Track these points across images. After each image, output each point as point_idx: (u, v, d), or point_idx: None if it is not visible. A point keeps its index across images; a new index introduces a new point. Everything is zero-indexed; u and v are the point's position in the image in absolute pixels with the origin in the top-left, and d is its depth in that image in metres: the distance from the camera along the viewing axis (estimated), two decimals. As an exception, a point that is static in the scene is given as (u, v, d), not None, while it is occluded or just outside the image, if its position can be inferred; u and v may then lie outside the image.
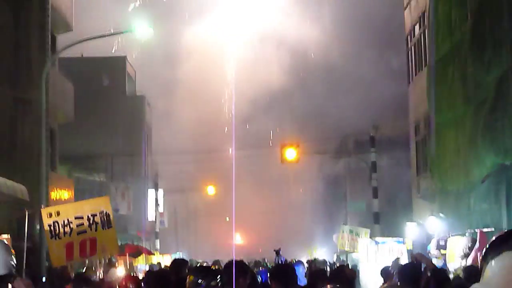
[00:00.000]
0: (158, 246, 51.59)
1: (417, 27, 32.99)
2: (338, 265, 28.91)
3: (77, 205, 13.11)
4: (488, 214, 22.83)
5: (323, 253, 48.52)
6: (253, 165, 60.50)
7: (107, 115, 49.88)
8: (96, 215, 11.87)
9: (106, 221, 11.89)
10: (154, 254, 36.04)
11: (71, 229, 11.74)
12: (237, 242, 79.60)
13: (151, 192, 54.61)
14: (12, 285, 8.20)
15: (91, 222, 11.75)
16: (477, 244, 19.19)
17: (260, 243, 67.42)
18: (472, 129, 22.26)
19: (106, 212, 12.00)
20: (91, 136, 46.25)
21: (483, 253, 3.17)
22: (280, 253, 19.56)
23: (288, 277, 7.68)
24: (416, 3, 32.87)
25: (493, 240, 3.18)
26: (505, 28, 19.81)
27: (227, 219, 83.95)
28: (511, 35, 19.60)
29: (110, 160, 49.87)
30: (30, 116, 25.28)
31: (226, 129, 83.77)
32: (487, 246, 3.17)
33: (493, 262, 3.03)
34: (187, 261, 12.51)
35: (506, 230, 3.48)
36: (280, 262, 18.96)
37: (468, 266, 18.21)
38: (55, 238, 11.74)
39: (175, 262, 11.17)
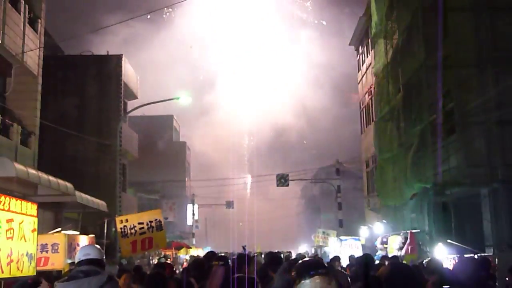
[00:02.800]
0: (194, 242, 51.36)
1: (367, 95, 32.94)
2: (315, 255, 28.86)
3: (140, 215, 13.18)
4: (416, 221, 22.71)
5: (304, 247, 48.16)
6: (259, 188, 60.54)
7: (160, 155, 50.06)
8: (152, 221, 12.04)
9: (159, 226, 12.05)
10: (191, 248, 35.85)
11: (135, 231, 11.89)
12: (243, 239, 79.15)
13: (189, 206, 54.55)
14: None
15: (149, 226, 11.93)
16: (408, 240, 19.21)
17: (262, 241, 67.02)
18: (403, 164, 22.25)
19: (158, 220, 12.16)
20: (150, 169, 46.43)
21: (296, 271, 3.16)
22: (246, 247, 18.95)
23: (248, 261, 7.60)
24: (366, 80, 32.94)
25: (307, 263, 3.21)
26: (424, 97, 19.93)
27: (241, 224, 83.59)
28: (428, 101, 19.70)
29: (162, 185, 50.02)
30: (109, 155, 25.53)
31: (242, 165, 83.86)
32: (301, 267, 3.17)
33: (305, 282, 3.06)
34: (215, 253, 12.52)
35: (315, 258, 3.57)
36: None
37: (402, 255, 18.33)
38: (125, 237, 11.90)
39: (208, 254, 11.21)
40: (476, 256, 13.75)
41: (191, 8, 69.09)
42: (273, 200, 67.02)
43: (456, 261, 9.88)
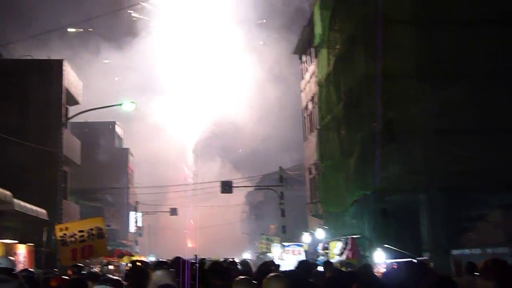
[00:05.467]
0: (137, 250, 50.66)
1: (310, 104, 33.22)
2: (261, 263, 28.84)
3: (80, 222, 12.92)
4: (356, 226, 22.99)
5: (248, 255, 48.21)
6: (202, 195, 60.09)
7: (103, 161, 49.18)
8: (93, 229, 11.81)
9: (100, 234, 11.82)
10: (134, 256, 35.32)
11: (76, 239, 11.64)
12: (189, 246, 78.67)
13: (132, 213, 53.82)
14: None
15: (89, 234, 11.69)
16: (349, 246, 19.51)
17: (205, 247, 66.65)
18: (345, 172, 22.50)
19: (99, 227, 11.95)
20: (92, 176, 45.53)
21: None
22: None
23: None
24: (309, 89, 33.27)
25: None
26: (364, 105, 20.25)
27: (185, 231, 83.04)
28: (369, 111, 20.03)
29: (105, 192, 49.20)
30: (51, 163, 24.85)
31: (186, 170, 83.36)
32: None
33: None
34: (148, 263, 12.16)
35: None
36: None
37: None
38: (64, 246, 11.63)
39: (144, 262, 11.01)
40: (415, 261, 14.08)
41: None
42: (217, 207, 66.80)
43: (388, 266, 10.09)
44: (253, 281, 5.77)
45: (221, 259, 19.52)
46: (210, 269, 7.88)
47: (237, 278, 5.85)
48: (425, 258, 16.63)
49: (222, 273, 7.65)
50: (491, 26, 18.90)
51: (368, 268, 9.49)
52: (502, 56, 16.18)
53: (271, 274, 5.88)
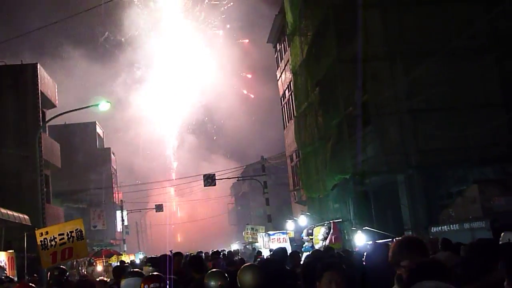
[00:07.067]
0: (125, 249, 50.53)
1: (287, 91, 33.32)
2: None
3: (60, 225, 12.88)
4: (339, 211, 23.24)
5: (236, 245, 48.28)
6: (189, 189, 60.05)
7: (84, 162, 48.82)
8: (73, 231, 11.83)
9: (80, 236, 11.84)
10: (122, 255, 35.24)
11: (56, 242, 11.67)
12: (178, 241, 78.87)
13: (118, 213, 53.65)
14: None
15: (69, 236, 11.71)
16: (331, 230, 19.69)
17: (194, 241, 66.80)
18: (324, 157, 22.72)
19: (79, 229, 11.95)
20: (74, 177, 45.24)
21: None
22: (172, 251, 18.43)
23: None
24: (285, 77, 33.37)
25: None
26: (339, 90, 20.41)
27: (173, 226, 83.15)
28: (344, 95, 20.19)
29: (88, 193, 48.93)
30: (30, 167, 24.62)
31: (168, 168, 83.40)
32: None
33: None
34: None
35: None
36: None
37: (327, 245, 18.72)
38: (45, 249, 11.66)
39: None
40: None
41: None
42: (203, 200, 66.83)
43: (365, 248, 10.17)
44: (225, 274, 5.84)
45: (202, 252, 19.67)
46: (189, 263, 8.01)
47: (208, 271, 5.93)
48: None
49: (200, 266, 7.76)
50: (457, 4, 19.14)
51: (347, 253, 9.60)
52: (468, 33, 16.36)
53: (245, 265, 5.94)
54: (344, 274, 4.00)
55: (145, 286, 5.30)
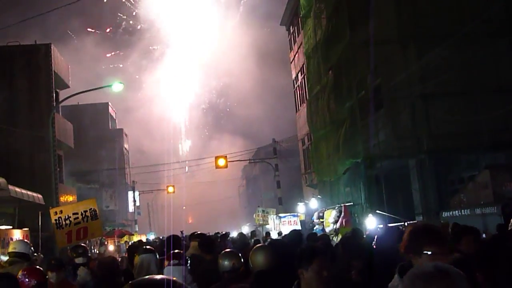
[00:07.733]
0: (137, 229, 51.02)
1: (299, 75, 33.23)
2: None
3: (74, 205, 12.98)
4: (350, 194, 23.24)
5: (247, 228, 48.53)
6: (200, 171, 60.31)
7: (97, 142, 49.12)
8: (87, 211, 11.93)
9: (94, 215, 11.95)
10: (134, 235, 35.63)
11: (70, 221, 11.77)
12: (189, 222, 79.32)
13: (130, 193, 54.05)
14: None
15: (83, 216, 11.81)
16: (342, 214, 19.72)
17: (205, 222, 67.20)
18: (336, 141, 22.69)
19: (93, 209, 12.04)
20: (87, 158, 45.53)
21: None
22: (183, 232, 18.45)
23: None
24: (298, 59, 33.23)
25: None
26: (352, 76, 20.37)
27: (184, 207, 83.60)
28: (357, 79, 20.18)
29: (101, 173, 49.26)
30: (43, 147, 24.87)
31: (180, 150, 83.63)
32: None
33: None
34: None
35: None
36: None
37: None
38: (60, 229, 11.78)
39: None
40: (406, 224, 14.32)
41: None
42: (215, 182, 67.10)
43: (380, 231, 10.22)
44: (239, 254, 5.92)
45: (219, 233, 19.82)
46: (198, 243, 7.76)
47: (222, 252, 6.00)
48: (418, 221, 16.86)
49: (211, 247, 7.69)
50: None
51: (356, 232, 9.63)
52: (483, 16, 16.22)
53: (257, 246, 6.00)
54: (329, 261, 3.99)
55: (166, 262, 5.74)
